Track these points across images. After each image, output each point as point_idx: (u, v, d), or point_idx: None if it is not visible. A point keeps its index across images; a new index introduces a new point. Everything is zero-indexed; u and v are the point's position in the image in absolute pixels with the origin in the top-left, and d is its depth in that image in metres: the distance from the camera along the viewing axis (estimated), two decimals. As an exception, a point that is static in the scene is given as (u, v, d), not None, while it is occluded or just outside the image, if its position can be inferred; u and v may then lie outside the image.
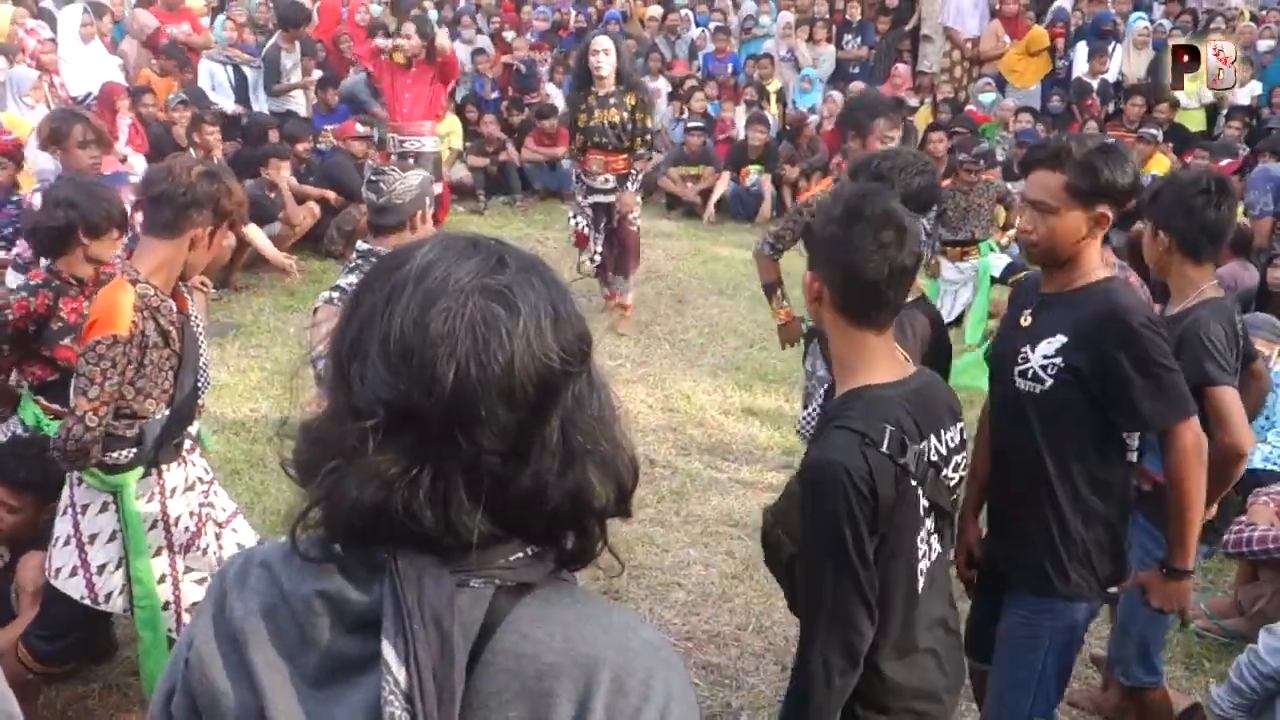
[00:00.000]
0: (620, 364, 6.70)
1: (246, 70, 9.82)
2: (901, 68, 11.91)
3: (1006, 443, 2.72)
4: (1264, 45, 11.12)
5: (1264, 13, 11.94)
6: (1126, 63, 11.42)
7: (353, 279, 3.41)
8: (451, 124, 10.56)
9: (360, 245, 3.62)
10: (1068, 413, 2.56)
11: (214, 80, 9.74)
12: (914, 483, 2.01)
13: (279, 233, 8.11)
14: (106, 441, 3.01)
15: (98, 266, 3.68)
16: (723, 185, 10.49)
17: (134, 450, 3.08)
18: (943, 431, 2.11)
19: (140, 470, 3.15)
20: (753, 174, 10.58)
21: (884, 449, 1.95)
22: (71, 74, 8.62)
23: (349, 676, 1.01)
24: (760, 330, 7.44)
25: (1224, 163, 8.38)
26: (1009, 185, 8.24)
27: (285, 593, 1.04)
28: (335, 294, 3.38)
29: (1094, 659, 3.82)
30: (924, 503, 2.06)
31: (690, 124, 10.83)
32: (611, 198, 7.05)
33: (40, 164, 6.31)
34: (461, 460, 0.99)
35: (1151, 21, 11.85)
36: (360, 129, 9.17)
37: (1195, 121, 10.73)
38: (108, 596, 3.17)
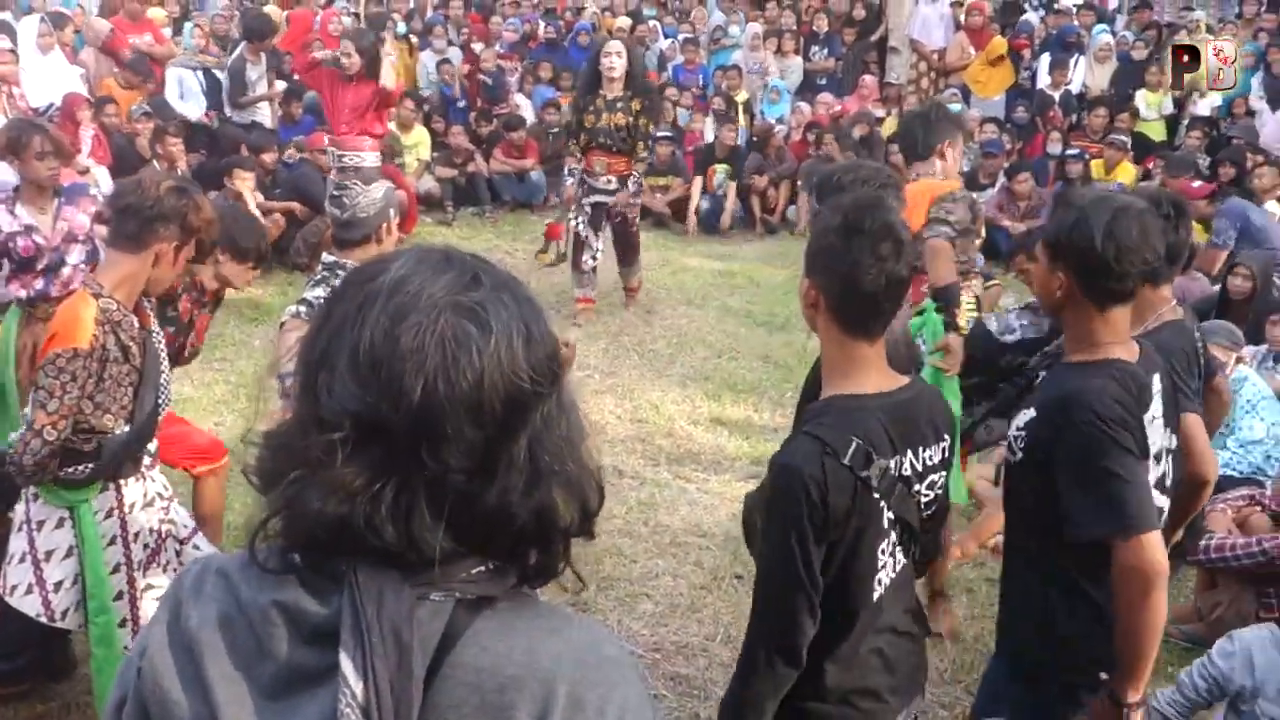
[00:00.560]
0: (589, 374, 6.69)
1: (218, 74, 9.73)
2: (869, 79, 12.00)
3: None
4: (1224, 57, 11.27)
5: (1221, 25, 12.11)
6: (1089, 75, 11.56)
7: (319, 292, 3.38)
8: (419, 135, 10.53)
9: (326, 257, 3.60)
10: (1030, 493, 2.44)
11: (183, 87, 9.66)
12: (877, 496, 2.03)
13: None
14: (64, 456, 2.98)
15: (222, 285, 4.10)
16: (697, 193, 10.46)
17: (91, 465, 3.05)
18: (921, 448, 2.12)
19: (98, 486, 3.11)
20: (719, 174, 10.51)
21: (845, 460, 1.98)
22: (32, 85, 8.53)
23: (305, 688, 0.99)
24: (729, 340, 7.46)
25: (1196, 185, 8.42)
26: (973, 195, 8.29)
27: (242, 602, 1.03)
28: (303, 308, 3.35)
29: None
30: (889, 515, 2.08)
31: (659, 134, 10.85)
32: (612, 198, 7.36)
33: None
34: (426, 476, 0.99)
35: (1114, 34, 12.00)
36: (328, 141, 9.11)
37: (1156, 131, 10.88)
38: (64, 614, 3.13)
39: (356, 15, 12.95)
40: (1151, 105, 10.87)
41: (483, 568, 1.04)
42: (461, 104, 11.36)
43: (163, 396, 3.19)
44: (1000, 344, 4.03)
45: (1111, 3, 14.19)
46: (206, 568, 1.09)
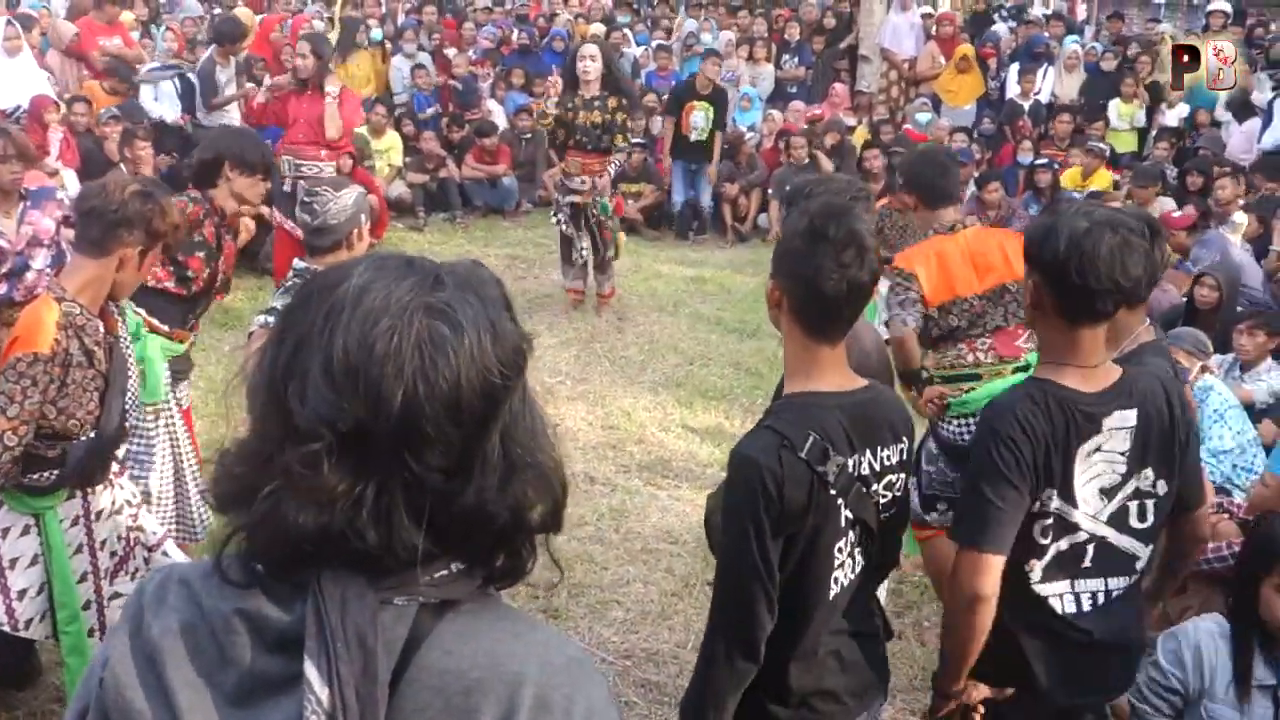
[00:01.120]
0: (560, 380, 6.68)
1: (191, 77, 9.67)
2: (839, 87, 12.07)
3: None
4: (1190, 69, 11.41)
5: (1187, 36, 12.27)
6: (1058, 84, 11.68)
7: (288, 299, 3.36)
8: (391, 140, 10.48)
9: (297, 264, 3.58)
10: None
11: (158, 91, 9.58)
12: (834, 493, 2.05)
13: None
14: (28, 462, 2.94)
15: (240, 205, 4.25)
16: (670, 133, 10.35)
17: (56, 472, 3.01)
18: (879, 448, 2.15)
19: (64, 493, 3.08)
20: (699, 114, 10.10)
21: (802, 454, 2.01)
22: (-1, 88, 8.44)
23: (269, 696, 1.00)
24: (700, 348, 7.47)
25: (1177, 215, 8.45)
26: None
27: (204, 611, 1.03)
28: (270, 318, 3.33)
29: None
30: (847, 514, 2.10)
31: (634, 141, 10.86)
32: (587, 199, 7.48)
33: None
34: (404, 478, 0.99)
35: (1083, 45, 12.13)
36: (283, 150, 9.03)
37: (1126, 143, 11.00)
38: (28, 623, 3.09)
39: (330, 20, 12.91)
40: (1124, 116, 10.99)
41: (446, 571, 1.04)
42: (433, 109, 11.32)
43: (131, 401, 3.16)
44: None
45: (1080, 14, 14.37)
46: (168, 577, 1.09)
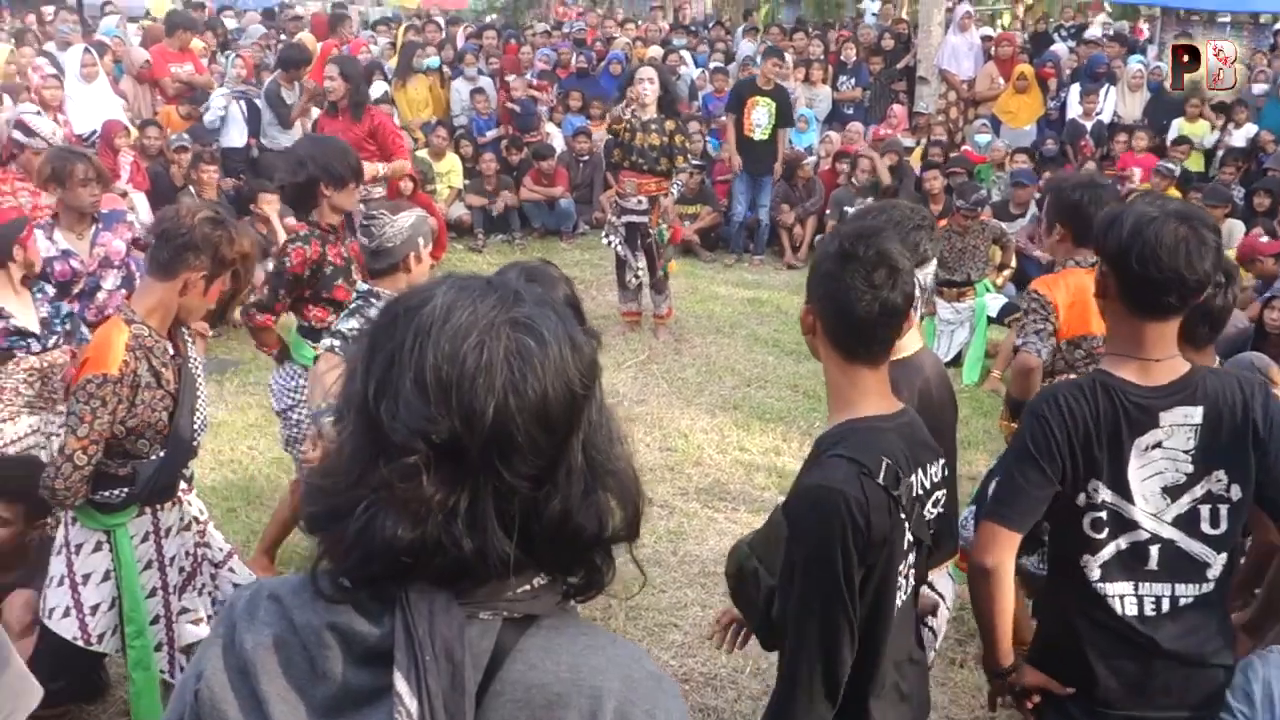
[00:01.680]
0: (618, 402, 6.69)
1: (257, 102, 9.88)
2: (898, 108, 12.02)
3: None
4: (1258, 89, 11.23)
5: (1256, 56, 12.06)
6: (1121, 104, 11.53)
7: (354, 324, 3.39)
8: (451, 162, 10.63)
9: (360, 286, 3.63)
10: None
11: (227, 114, 9.82)
12: (902, 516, 2.04)
13: (272, 269, 8.12)
14: (99, 480, 3.01)
15: (344, 215, 4.28)
16: (733, 136, 10.13)
17: (126, 490, 3.08)
18: (928, 465, 2.15)
19: (134, 510, 3.14)
20: (760, 110, 9.80)
21: (880, 480, 1.98)
22: (76, 112, 8.69)
23: (359, 708, 1.02)
24: (757, 370, 7.45)
25: (1265, 240, 8.18)
26: (1004, 225, 8.29)
27: (295, 625, 1.06)
28: (337, 341, 3.36)
29: None
30: (909, 537, 2.09)
31: (694, 164, 10.89)
32: (644, 217, 7.50)
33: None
34: (495, 487, 1.03)
35: (1147, 65, 11.97)
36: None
37: (1193, 163, 10.81)
38: (101, 637, 3.16)
39: (392, 44, 13.13)
40: (1192, 136, 10.81)
41: (527, 586, 1.07)
42: (494, 132, 11.45)
43: (199, 422, 3.22)
44: None
45: (1144, 34, 14.18)
46: (259, 592, 1.12)
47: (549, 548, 1.07)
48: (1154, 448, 2.27)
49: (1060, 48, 12.94)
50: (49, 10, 11.85)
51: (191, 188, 8.35)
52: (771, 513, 2.25)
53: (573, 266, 9.94)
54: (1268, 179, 9.46)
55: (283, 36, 12.89)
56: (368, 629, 1.03)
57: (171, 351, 3.10)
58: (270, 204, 8.22)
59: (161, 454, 3.09)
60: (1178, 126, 10.86)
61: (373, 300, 3.47)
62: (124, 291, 4.71)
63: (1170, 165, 9.67)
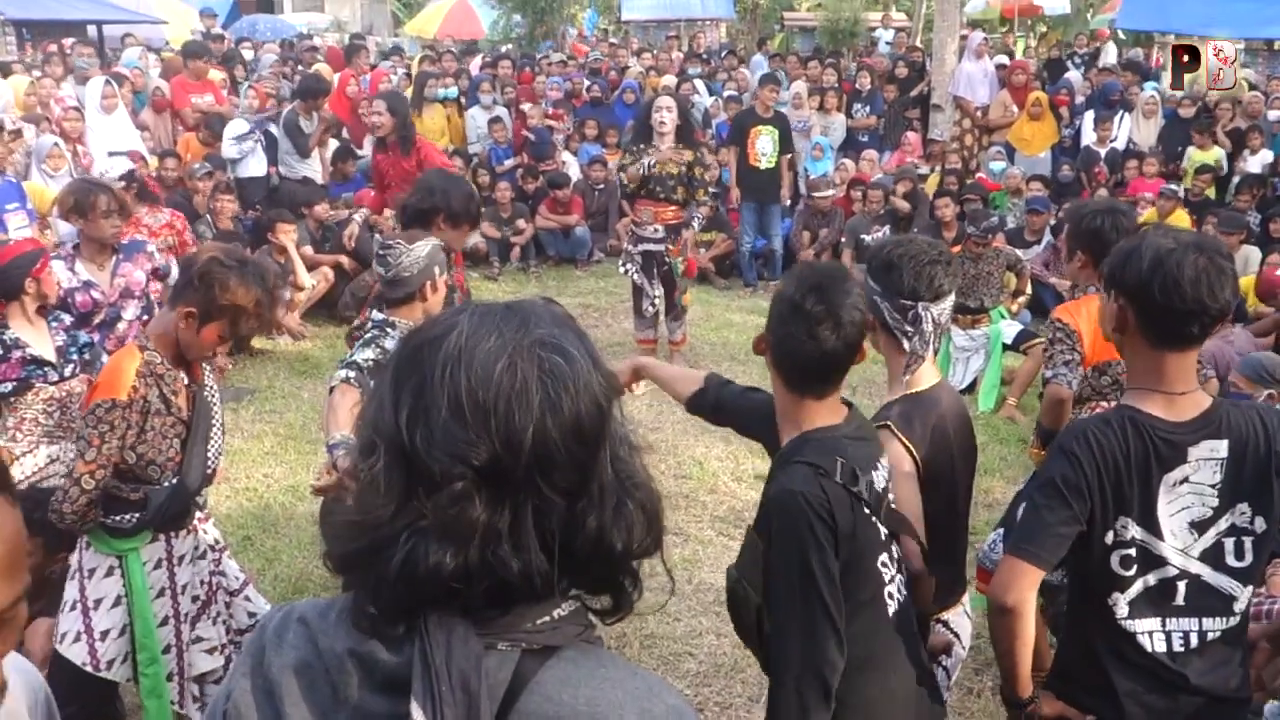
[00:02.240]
0: (632, 429, 6.68)
1: (274, 130, 9.99)
2: (912, 135, 12.05)
3: None
4: (1274, 115, 11.22)
5: (1271, 82, 12.06)
6: (1136, 130, 11.54)
7: (369, 354, 3.40)
8: (467, 191, 10.69)
9: (375, 315, 3.65)
10: None
11: (241, 145, 9.92)
12: (868, 510, 2.16)
13: (288, 297, 8.19)
14: (110, 504, 3.03)
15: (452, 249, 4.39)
16: (734, 164, 10.16)
17: (138, 514, 3.09)
18: (876, 470, 2.27)
19: (147, 535, 3.15)
20: (764, 139, 9.77)
21: (837, 478, 2.12)
22: (96, 144, 8.80)
23: None
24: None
25: None
26: (1018, 252, 8.28)
27: (320, 650, 1.08)
28: (352, 372, 3.35)
29: None
30: (883, 530, 2.22)
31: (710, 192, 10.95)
32: (660, 246, 7.50)
33: (64, 230, 6.41)
34: (534, 506, 1.04)
35: (1161, 91, 11.98)
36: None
37: (1209, 190, 10.77)
38: (110, 664, 3.15)
39: (408, 74, 13.25)
40: (1205, 162, 10.78)
41: (547, 617, 1.08)
42: (512, 161, 11.53)
43: (213, 449, 3.24)
44: None
45: (1158, 61, 14.19)
46: (289, 616, 1.14)
47: (585, 566, 1.08)
48: (1182, 483, 2.26)
49: (1074, 75, 12.97)
50: (69, 42, 12.02)
51: (209, 216, 8.43)
52: (745, 537, 2.31)
53: (588, 294, 9.98)
54: (1285, 205, 9.44)
55: (299, 67, 13.04)
56: (387, 657, 1.04)
57: (186, 380, 3.12)
58: (288, 233, 8.29)
59: (174, 481, 3.11)
60: (1190, 155, 10.83)
61: (388, 330, 3.48)
62: (146, 319, 4.76)
63: (1174, 187, 9.65)
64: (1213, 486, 2.26)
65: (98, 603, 3.15)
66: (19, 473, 3.87)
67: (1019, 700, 2.42)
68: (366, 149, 11.17)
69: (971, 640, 4.17)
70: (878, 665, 2.20)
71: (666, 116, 7.39)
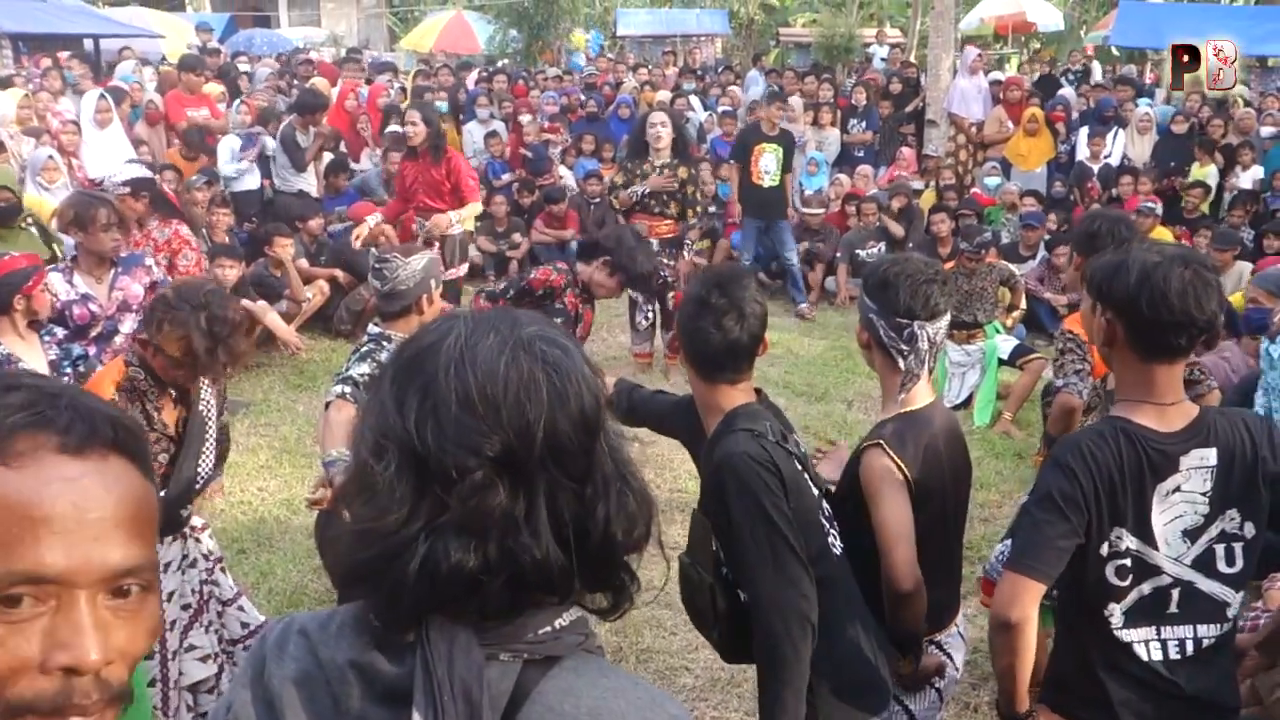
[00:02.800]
0: (627, 443, 6.67)
1: (268, 141, 10.01)
2: (907, 151, 12.10)
3: None
4: (1266, 131, 11.28)
5: (1262, 98, 12.12)
6: (1130, 146, 11.59)
7: (365, 368, 3.39)
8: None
9: (371, 329, 3.65)
10: None
11: (235, 156, 9.94)
12: (799, 466, 2.35)
13: (285, 310, 8.19)
14: None
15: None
16: (735, 181, 10.10)
17: None
18: (796, 435, 2.50)
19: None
20: (768, 157, 9.58)
21: (770, 438, 2.31)
22: (90, 158, 8.81)
23: None
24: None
25: None
26: (1012, 267, 8.31)
27: (321, 661, 1.07)
28: (348, 388, 3.34)
29: None
30: (814, 488, 2.39)
31: (710, 209, 10.98)
32: (682, 271, 7.57)
33: (69, 242, 6.41)
34: (547, 494, 1.06)
35: (1154, 108, 12.04)
36: (370, 221, 9.27)
37: (1202, 206, 10.82)
38: None
39: (404, 89, 13.29)
40: (1200, 176, 10.84)
41: (549, 627, 1.08)
42: (510, 176, 11.56)
43: (204, 465, 3.24)
44: None
45: (1153, 77, 14.27)
46: (289, 627, 1.14)
47: (593, 558, 1.09)
48: (1174, 492, 2.28)
49: (1069, 91, 13.04)
50: (64, 55, 12.03)
51: (204, 230, 8.44)
52: (691, 522, 2.44)
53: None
54: (1277, 221, 9.48)
55: (295, 81, 13.06)
56: (388, 668, 1.04)
57: (176, 395, 3.12)
58: (285, 247, 8.30)
59: (160, 494, 3.10)
60: (1193, 172, 10.88)
61: (384, 344, 3.48)
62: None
63: (1152, 204, 9.68)
64: (1203, 494, 2.29)
65: None
66: None
67: (1016, 716, 2.42)
68: (364, 162, 11.23)
69: (967, 656, 4.18)
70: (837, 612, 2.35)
71: (662, 131, 7.44)
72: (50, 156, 7.99)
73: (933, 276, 2.61)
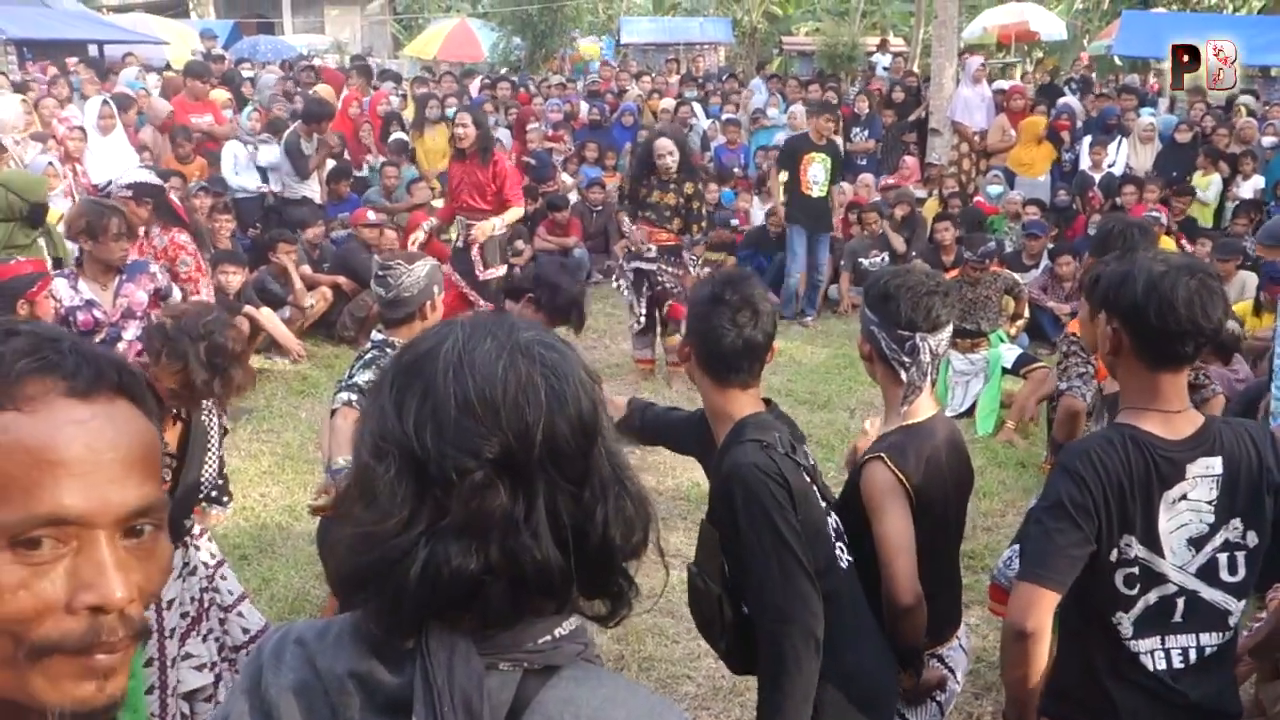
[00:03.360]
0: (630, 451, 6.66)
1: (264, 149, 10.03)
2: (910, 160, 12.11)
3: None
4: (1268, 141, 11.29)
5: (1267, 108, 12.13)
6: (1133, 156, 11.59)
7: (369, 375, 3.39)
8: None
9: (375, 335, 3.65)
10: None
11: (238, 163, 9.96)
12: (808, 479, 2.32)
13: (289, 317, 8.21)
14: None
15: None
16: (779, 188, 9.95)
17: None
18: (805, 446, 2.45)
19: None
20: (816, 166, 9.38)
21: (780, 449, 2.29)
22: (94, 164, 8.83)
23: None
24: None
25: None
26: (1016, 276, 8.30)
27: (319, 671, 1.07)
28: (353, 395, 3.33)
29: None
30: (822, 502, 2.36)
31: (731, 224, 11.05)
32: (653, 265, 7.63)
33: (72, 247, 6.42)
34: (546, 496, 1.05)
35: (1157, 117, 12.05)
36: (372, 217, 9.31)
37: (1205, 216, 10.83)
38: None
39: (404, 96, 13.32)
40: (1202, 186, 10.85)
41: (549, 636, 1.07)
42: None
43: (207, 475, 3.23)
44: None
45: (1155, 87, 14.28)
46: (286, 636, 1.13)
47: (592, 563, 1.08)
48: (1181, 500, 2.28)
49: (1072, 100, 13.04)
50: (72, 61, 12.06)
51: (208, 237, 8.45)
52: (700, 532, 2.45)
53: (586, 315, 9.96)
54: (1270, 224, 9.45)
55: (298, 88, 13.09)
56: (388, 678, 1.04)
57: (175, 413, 3.13)
58: (289, 254, 8.31)
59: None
60: (1196, 181, 10.87)
61: (388, 350, 3.49)
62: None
63: (1157, 213, 9.69)
64: (1209, 503, 2.28)
65: None
66: None
67: None
68: (366, 170, 11.25)
69: (970, 665, 4.17)
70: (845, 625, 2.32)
71: (670, 160, 7.48)
72: (50, 164, 8.00)
73: (934, 288, 2.61)
